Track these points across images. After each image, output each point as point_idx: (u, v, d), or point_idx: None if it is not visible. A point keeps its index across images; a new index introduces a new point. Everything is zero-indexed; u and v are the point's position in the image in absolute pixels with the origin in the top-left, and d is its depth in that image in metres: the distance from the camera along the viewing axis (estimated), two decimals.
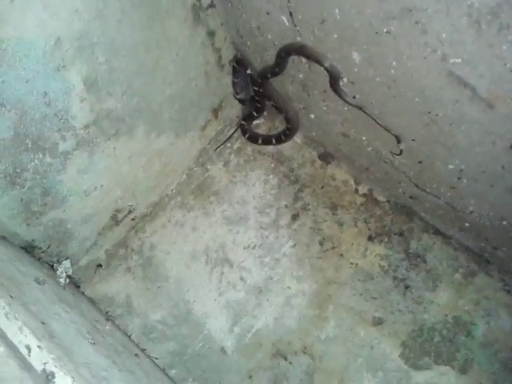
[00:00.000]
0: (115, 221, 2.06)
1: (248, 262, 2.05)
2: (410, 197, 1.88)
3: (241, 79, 2.05)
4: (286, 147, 2.21)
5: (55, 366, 1.03)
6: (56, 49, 1.37)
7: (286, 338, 1.90)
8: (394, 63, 1.29)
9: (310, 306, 1.93)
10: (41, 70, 1.37)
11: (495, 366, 1.72)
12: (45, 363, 1.03)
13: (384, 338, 1.83)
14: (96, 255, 2.10)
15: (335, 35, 1.38)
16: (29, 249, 1.78)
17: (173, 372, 1.91)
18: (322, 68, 1.53)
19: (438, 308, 1.83)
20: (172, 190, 2.22)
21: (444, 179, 1.60)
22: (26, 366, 1.01)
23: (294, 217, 2.09)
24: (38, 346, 1.05)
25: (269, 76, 1.83)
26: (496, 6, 0.92)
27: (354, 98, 1.56)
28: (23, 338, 1.06)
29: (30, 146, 1.51)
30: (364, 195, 2.07)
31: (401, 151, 1.59)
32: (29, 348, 1.04)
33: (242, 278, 2.02)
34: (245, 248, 2.07)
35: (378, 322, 1.86)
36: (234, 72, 2.07)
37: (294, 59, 1.69)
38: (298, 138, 2.20)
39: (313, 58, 1.54)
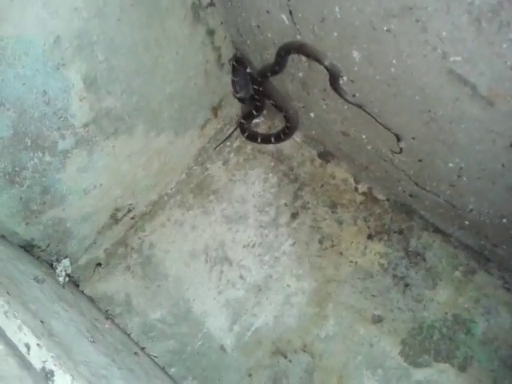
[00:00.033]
0: (115, 220, 2.05)
1: (247, 261, 2.05)
2: (410, 195, 1.88)
3: (240, 78, 2.05)
4: (285, 146, 2.20)
5: (54, 365, 1.03)
6: (55, 47, 1.36)
7: (285, 336, 1.90)
8: (394, 61, 1.29)
9: (309, 304, 1.93)
10: (40, 68, 1.37)
11: (495, 364, 1.72)
12: (44, 361, 1.03)
13: (384, 335, 1.83)
14: (95, 254, 2.10)
15: (335, 33, 1.38)
16: (28, 248, 1.77)
17: (172, 370, 1.91)
18: (322, 66, 1.52)
19: (437, 306, 1.84)
20: (171, 189, 2.22)
21: (444, 177, 1.60)
22: (26, 364, 1.01)
23: (294, 215, 2.09)
24: (38, 345, 1.05)
25: (268, 75, 1.83)
26: (496, 4, 0.92)
27: (353, 96, 1.56)
28: (22, 336, 1.06)
29: (29, 144, 1.50)
30: (364, 194, 2.07)
31: (401, 149, 1.59)
32: (28, 346, 1.04)
33: (241, 277, 2.02)
34: (244, 246, 2.07)
35: (378, 320, 1.86)
36: (234, 71, 2.06)
37: (293, 58, 1.68)
38: (297, 137, 2.20)
39: (313, 56, 1.54)
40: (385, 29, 1.20)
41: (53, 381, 1.00)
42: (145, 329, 1.99)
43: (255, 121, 2.26)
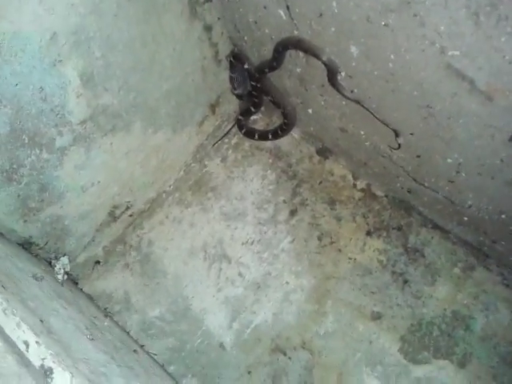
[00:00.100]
0: (113, 217, 2.05)
1: (246, 258, 2.05)
2: (409, 191, 1.88)
3: (238, 74, 2.04)
4: (283, 142, 2.20)
5: (53, 362, 1.02)
6: (52, 43, 1.36)
7: (284, 333, 1.90)
8: (392, 56, 1.28)
9: (308, 301, 1.93)
10: (37, 64, 1.36)
11: (494, 360, 1.72)
12: (43, 359, 1.02)
13: (383, 332, 1.83)
14: (94, 252, 2.09)
15: (333, 29, 1.37)
16: (26, 245, 1.77)
17: (172, 368, 1.91)
18: (320, 62, 1.52)
19: (436, 302, 1.83)
20: (170, 186, 2.22)
21: (442, 173, 1.60)
22: (24, 361, 1.00)
23: (292, 212, 2.09)
24: (36, 342, 1.05)
25: (266, 71, 1.82)
26: None
27: (351, 92, 1.55)
28: (21, 333, 1.06)
29: (26, 141, 1.50)
30: (362, 190, 2.07)
31: (399, 145, 1.58)
32: (27, 344, 1.04)
33: (240, 274, 2.02)
34: (243, 244, 2.07)
35: (377, 317, 1.86)
36: (231, 67, 2.06)
37: (291, 53, 1.68)
38: (295, 134, 2.19)
39: (310, 52, 1.53)
40: (382, 23, 1.20)
41: (52, 378, 1.00)
42: (144, 326, 1.99)
43: (253, 117, 2.26)
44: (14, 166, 1.52)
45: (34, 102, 1.43)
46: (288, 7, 1.45)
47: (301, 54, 1.63)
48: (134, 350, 1.76)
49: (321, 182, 2.11)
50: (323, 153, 2.15)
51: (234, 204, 2.15)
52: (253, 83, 1.98)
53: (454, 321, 1.80)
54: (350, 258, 1.96)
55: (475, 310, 1.79)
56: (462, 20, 1.02)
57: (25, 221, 1.69)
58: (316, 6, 1.34)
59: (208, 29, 1.85)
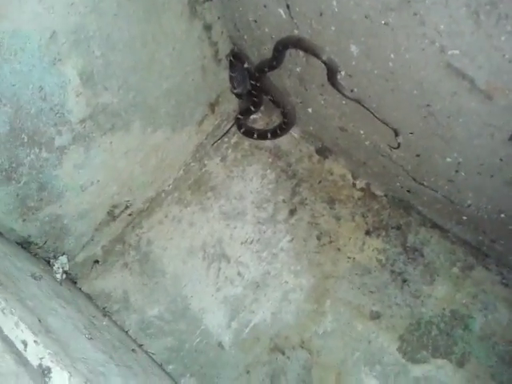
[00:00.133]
0: (112, 216, 2.05)
1: (245, 257, 2.04)
2: (408, 190, 1.88)
3: (238, 73, 2.05)
4: (283, 142, 2.20)
5: (51, 361, 1.02)
6: (51, 42, 1.35)
7: (283, 332, 1.90)
8: (392, 55, 1.28)
9: (307, 301, 1.93)
10: (36, 63, 1.36)
11: (493, 360, 1.72)
12: (41, 358, 1.02)
13: (382, 331, 1.83)
14: (93, 251, 2.09)
15: (333, 28, 1.37)
16: (25, 244, 1.77)
17: (170, 367, 1.91)
18: (320, 61, 1.52)
19: (435, 301, 1.83)
20: (169, 186, 2.21)
21: (442, 172, 1.60)
22: (22, 361, 1.00)
23: (292, 211, 2.09)
24: (35, 341, 1.05)
25: (266, 70, 1.82)
26: None
27: (351, 91, 1.55)
28: (19, 333, 1.05)
29: (25, 140, 1.50)
30: (362, 189, 2.07)
31: (398, 144, 1.59)
32: (25, 343, 1.04)
33: (239, 273, 2.02)
34: (242, 243, 2.07)
35: (376, 316, 1.86)
36: (231, 66, 2.06)
37: (291, 53, 1.68)
38: (295, 133, 2.19)
39: (310, 51, 1.53)
40: (382, 22, 1.20)
41: (50, 377, 1.00)
42: (142, 326, 1.99)
43: (253, 116, 2.26)
44: (13, 165, 1.52)
45: (34, 101, 1.43)
46: (288, 6, 1.45)
47: (301, 53, 1.63)
48: (133, 350, 1.76)
49: (320, 182, 2.11)
50: (323, 152, 2.15)
51: (233, 203, 2.15)
52: (252, 82, 1.98)
53: (453, 320, 1.80)
54: (349, 258, 1.96)
55: (474, 310, 1.79)
56: (462, 19, 1.02)
57: (24, 220, 1.69)
58: (316, 5, 1.34)
59: (208, 28, 1.85)
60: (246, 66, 1.97)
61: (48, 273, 1.74)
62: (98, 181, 1.84)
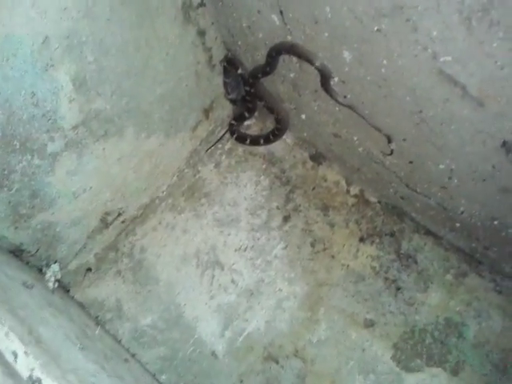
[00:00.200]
0: (105, 223, 2.03)
1: (239, 265, 2.03)
2: (401, 197, 1.88)
3: (232, 79, 2.05)
4: (277, 148, 2.20)
5: (42, 372, 1.01)
6: (44, 48, 1.35)
7: (277, 341, 1.89)
8: (385, 62, 1.28)
9: (301, 309, 1.92)
10: (29, 69, 1.35)
11: (487, 368, 1.72)
12: (32, 369, 1.01)
13: (376, 340, 1.82)
14: (85, 259, 2.07)
15: (326, 34, 1.37)
16: (17, 252, 1.75)
17: (163, 377, 1.88)
18: (313, 67, 1.52)
19: (429, 309, 1.83)
20: (163, 192, 2.20)
21: (435, 179, 1.60)
22: (11, 372, 0.98)
23: (286, 218, 2.08)
24: (25, 352, 1.03)
25: (260, 76, 1.82)
26: (487, 3, 0.92)
27: (345, 97, 1.56)
28: (9, 343, 1.04)
29: (17, 147, 1.48)
30: (355, 196, 2.07)
31: (392, 151, 1.59)
32: (15, 354, 1.02)
33: (233, 281, 2.01)
34: (236, 250, 2.06)
35: (370, 324, 1.85)
36: (225, 72, 2.06)
37: (284, 58, 1.68)
38: (289, 139, 2.19)
39: (304, 57, 1.53)
40: (375, 29, 1.20)
41: None
42: (135, 335, 1.96)
43: (247, 122, 2.25)
44: (5, 172, 1.50)
45: (26, 107, 1.42)
46: (281, 12, 1.46)
47: (294, 59, 1.63)
48: (125, 359, 1.74)
49: (314, 188, 2.11)
50: (316, 158, 2.15)
51: (227, 210, 2.14)
52: (246, 88, 1.98)
53: (447, 328, 1.79)
54: (342, 265, 1.96)
55: (468, 317, 1.79)
56: (454, 25, 1.02)
57: (16, 227, 1.67)
58: (309, 11, 1.35)
59: (202, 33, 1.85)
60: (239, 71, 1.97)
61: (40, 281, 1.72)
62: (91, 187, 1.82)
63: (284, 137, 2.16)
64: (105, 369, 1.40)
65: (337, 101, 1.56)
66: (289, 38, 1.54)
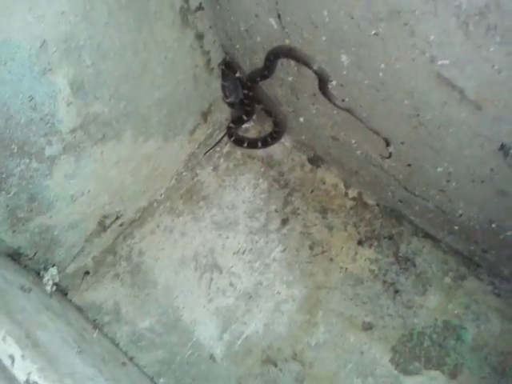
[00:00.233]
0: (103, 227, 2.03)
1: (238, 268, 2.03)
2: (400, 200, 1.88)
3: (230, 82, 2.05)
4: (275, 151, 2.20)
5: (39, 377, 1.00)
6: (42, 52, 1.34)
7: (275, 344, 1.88)
8: (383, 66, 1.29)
9: (299, 312, 1.92)
10: (26, 73, 1.35)
11: (485, 371, 1.71)
12: (29, 373, 1.00)
13: (374, 343, 1.82)
14: (83, 262, 2.06)
15: (323, 38, 1.38)
16: (15, 256, 1.74)
17: (161, 381, 1.88)
18: (311, 71, 1.52)
19: (427, 312, 1.83)
20: (161, 195, 2.20)
21: (433, 182, 1.60)
22: (8, 376, 0.98)
23: (284, 221, 2.08)
24: (22, 356, 1.03)
25: (258, 79, 1.83)
26: (484, 7, 0.92)
27: (343, 101, 1.56)
28: (7, 347, 1.04)
29: (15, 150, 1.48)
30: (354, 199, 2.07)
31: (390, 154, 1.59)
32: (12, 358, 1.02)
33: (231, 284, 2.00)
34: (234, 253, 2.06)
35: (368, 327, 1.85)
36: (223, 75, 2.06)
37: (282, 62, 1.68)
38: (287, 142, 2.19)
39: (301, 60, 1.54)
40: (373, 33, 1.20)
41: None
42: (133, 338, 1.96)
43: (245, 125, 2.26)
44: (3, 176, 1.50)
45: (24, 110, 1.41)
46: (279, 16, 1.46)
47: (292, 62, 1.63)
48: (123, 363, 1.73)
49: (312, 191, 2.11)
50: (315, 161, 2.15)
51: (225, 213, 2.14)
52: (245, 91, 1.99)
53: (445, 331, 1.79)
54: (341, 268, 1.96)
55: (466, 320, 1.79)
56: (451, 29, 1.02)
57: (13, 231, 1.67)
58: (307, 15, 1.35)
59: (200, 37, 1.85)
60: (237, 75, 1.97)
61: (38, 285, 1.71)
62: (89, 191, 1.82)
63: (282, 140, 2.16)
64: (102, 372, 1.39)
65: (335, 104, 1.56)
66: (287, 41, 1.54)
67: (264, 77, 1.78)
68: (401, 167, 1.67)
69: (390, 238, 1.96)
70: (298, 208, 2.09)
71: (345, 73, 1.44)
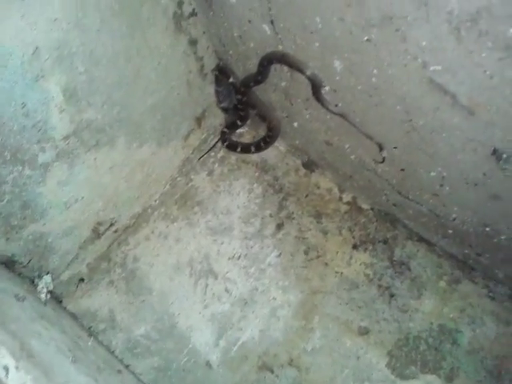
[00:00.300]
0: (97, 233, 2.02)
1: (233, 273, 2.02)
2: (394, 204, 1.88)
3: (223, 88, 2.05)
4: (270, 156, 2.20)
5: None
6: (34, 59, 1.34)
7: (272, 350, 1.88)
8: (375, 71, 1.29)
9: (295, 317, 1.91)
10: (19, 80, 1.34)
11: (481, 374, 1.71)
12: None
13: (370, 347, 1.82)
14: (78, 269, 2.05)
15: (316, 44, 1.38)
16: (9, 264, 1.73)
17: None
18: (304, 76, 1.52)
19: (423, 316, 1.83)
20: (155, 201, 2.20)
21: (427, 186, 1.61)
22: None
23: (279, 226, 2.08)
24: (16, 367, 1.02)
25: (251, 85, 1.83)
26: (475, 13, 0.92)
27: (336, 106, 1.56)
28: (1, 358, 1.03)
29: (8, 158, 1.47)
30: (348, 203, 2.07)
31: (383, 159, 1.59)
32: (6, 369, 1.01)
33: (226, 290, 2.00)
34: (229, 259, 2.05)
35: (364, 332, 1.84)
36: (217, 81, 2.06)
37: (276, 68, 1.68)
38: (281, 147, 2.19)
39: (294, 66, 1.54)
40: (365, 39, 1.20)
41: None
42: (129, 345, 1.94)
43: (239, 130, 2.25)
44: None
45: (16, 117, 1.41)
46: (272, 22, 1.46)
47: (285, 68, 1.64)
48: (119, 371, 1.72)
49: (307, 196, 2.11)
50: (309, 166, 2.15)
51: (220, 218, 2.13)
52: (238, 97, 1.98)
53: (441, 335, 1.79)
54: (336, 272, 1.95)
55: (462, 324, 1.79)
56: (443, 35, 1.03)
57: (7, 239, 1.66)
58: (300, 21, 1.35)
59: (193, 43, 1.85)
60: (231, 80, 1.97)
61: (32, 293, 1.70)
62: (83, 197, 1.81)
63: (276, 144, 2.16)
64: (97, 381, 1.38)
65: (328, 109, 1.57)
66: (280, 47, 1.54)
67: (257, 82, 1.78)
68: (394, 172, 1.67)
69: (385, 241, 1.97)
70: (293, 213, 2.09)
71: (338, 78, 1.44)
